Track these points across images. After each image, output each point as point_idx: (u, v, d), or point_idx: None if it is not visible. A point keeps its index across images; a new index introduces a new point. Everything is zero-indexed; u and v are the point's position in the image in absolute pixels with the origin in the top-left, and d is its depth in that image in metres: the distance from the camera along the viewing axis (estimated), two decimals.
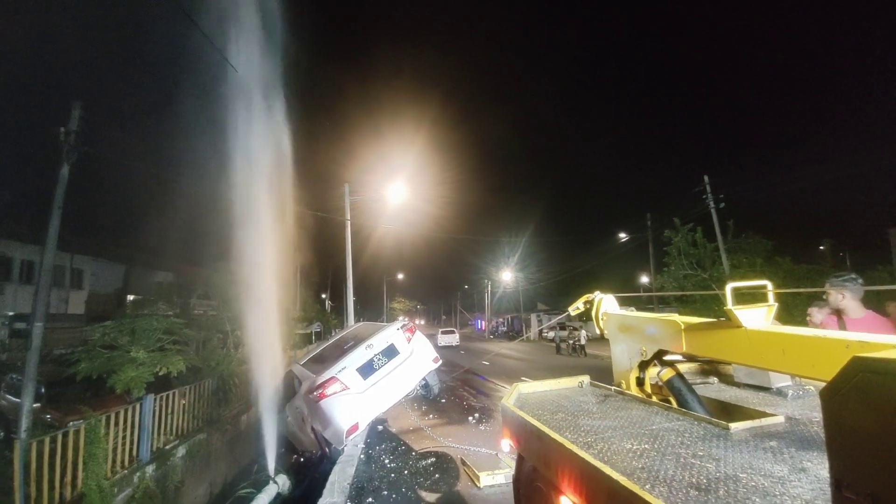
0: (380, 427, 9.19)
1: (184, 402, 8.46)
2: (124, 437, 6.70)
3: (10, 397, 9.68)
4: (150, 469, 6.90)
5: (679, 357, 3.60)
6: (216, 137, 8.90)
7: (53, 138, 6.98)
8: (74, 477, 5.80)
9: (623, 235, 32.33)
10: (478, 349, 29.93)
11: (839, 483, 1.09)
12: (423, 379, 7.12)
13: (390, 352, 6.71)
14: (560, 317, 10.66)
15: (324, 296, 36.90)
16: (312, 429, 6.54)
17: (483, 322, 55.55)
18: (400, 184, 16.56)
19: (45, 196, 7.07)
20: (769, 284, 2.71)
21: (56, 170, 6.96)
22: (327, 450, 6.58)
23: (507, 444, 3.67)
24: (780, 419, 2.73)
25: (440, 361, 7.22)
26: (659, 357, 3.47)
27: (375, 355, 6.54)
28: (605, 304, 4.39)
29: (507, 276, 48.39)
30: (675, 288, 18.34)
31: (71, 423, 6.39)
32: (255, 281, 8.81)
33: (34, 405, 6.56)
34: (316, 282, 31.70)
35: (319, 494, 5.38)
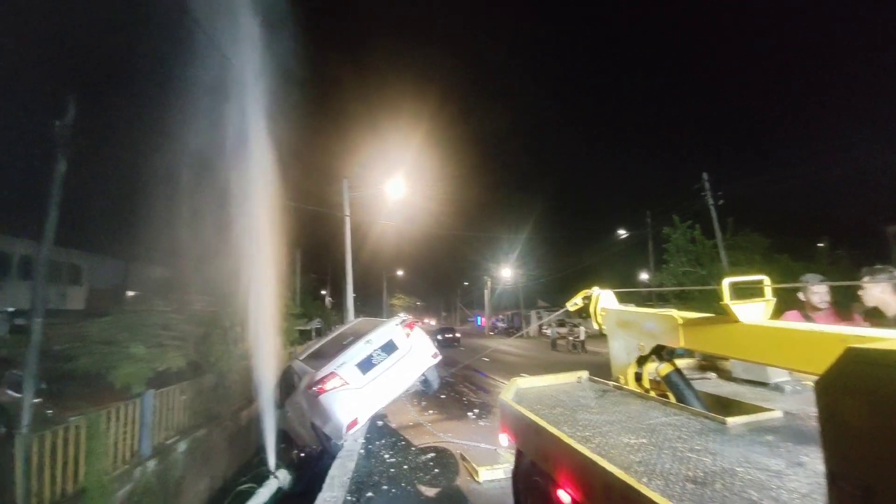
0: (379, 422, 9.22)
1: (184, 397, 8.47)
2: (125, 433, 6.72)
3: (11, 392, 9.69)
4: (151, 464, 6.92)
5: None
6: (214, 131, 8.89)
7: (49, 132, 6.94)
8: (76, 472, 5.82)
9: (623, 232, 32.35)
10: (477, 346, 29.98)
11: (833, 475, 1.10)
12: (423, 374, 7.14)
13: (389, 347, 6.72)
14: (558, 312, 10.68)
15: (324, 292, 36.90)
16: (312, 424, 6.57)
17: (483, 319, 55.66)
18: (399, 179, 16.56)
19: (42, 191, 7.05)
20: (767, 279, 2.72)
21: (53, 165, 6.93)
22: (327, 445, 6.61)
23: (505, 439, 3.70)
24: (778, 414, 2.75)
25: (440, 357, 7.24)
26: (657, 352, 3.49)
27: (375, 351, 6.56)
28: (604, 299, 4.40)
29: (506, 272, 48.45)
30: (674, 284, 18.39)
31: (71, 418, 6.40)
32: (253, 277, 8.82)
33: (35, 400, 6.57)
34: (316, 278, 31.74)
35: (319, 489, 5.41)
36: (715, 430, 2.56)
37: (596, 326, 4.44)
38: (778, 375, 3.61)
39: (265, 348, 8.54)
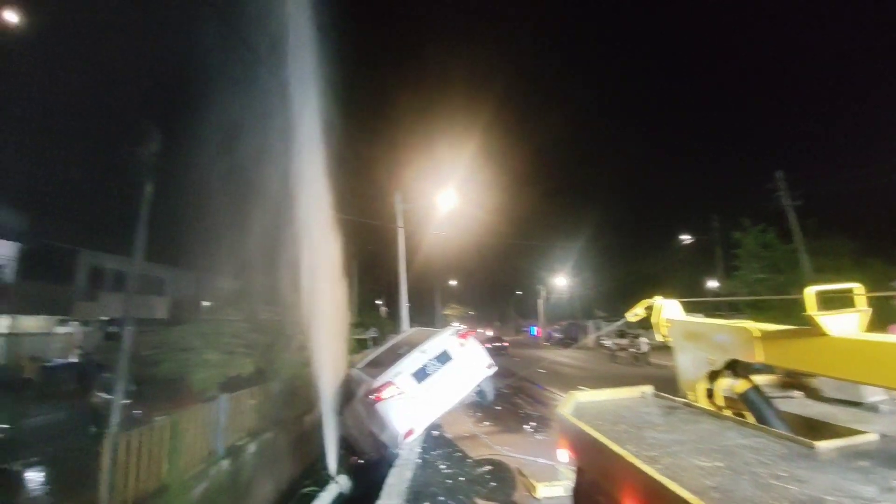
0: (435, 432, 9.25)
1: (252, 402, 8.99)
2: (202, 434, 7.22)
3: (103, 394, 10.78)
4: (224, 464, 7.38)
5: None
6: (276, 151, 9.49)
7: (137, 159, 7.73)
8: (158, 469, 6.32)
9: (686, 238, 30.50)
10: (532, 356, 29.37)
11: None
12: (478, 385, 7.10)
13: (444, 357, 6.75)
14: (617, 323, 10.24)
15: (379, 301, 37.83)
16: (370, 431, 6.72)
17: (538, 329, 54.49)
18: (452, 190, 16.74)
19: (131, 211, 7.84)
20: (860, 287, 2.45)
21: (140, 187, 7.70)
22: (384, 453, 6.73)
23: (565, 455, 3.58)
24: (874, 437, 2.45)
25: (495, 368, 7.17)
26: (731, 367, 3.24)
27: (429, 361, 6.62)
28: (668, 309, 4.17)
29: (561, 281, 47.17)
30: (747, 293, 17.02)
31: (157, 418, 6.98)
32: (314, 287, 9.24)
33: (126, 401, 7.24)
34: (371, 288, 32.66)
35: (378, 496, 5.50)
36: (801, 454, 2.33)
37: (659, 338, 4.21)
38: (874, 394, 3.23)
39: (325, 356, 8.88)
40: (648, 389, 4.07)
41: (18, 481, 7.45)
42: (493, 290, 70.69)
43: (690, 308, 4.32)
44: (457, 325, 7.79)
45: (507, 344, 34.82)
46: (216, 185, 9.75)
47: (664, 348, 4.65)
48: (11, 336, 19.28)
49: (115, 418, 6.38)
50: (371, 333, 25.06)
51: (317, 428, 8.82)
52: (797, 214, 17.68)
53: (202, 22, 8.12)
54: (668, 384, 4.13)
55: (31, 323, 20.38)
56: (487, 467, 7.09)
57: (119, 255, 22.41)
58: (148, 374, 9.31)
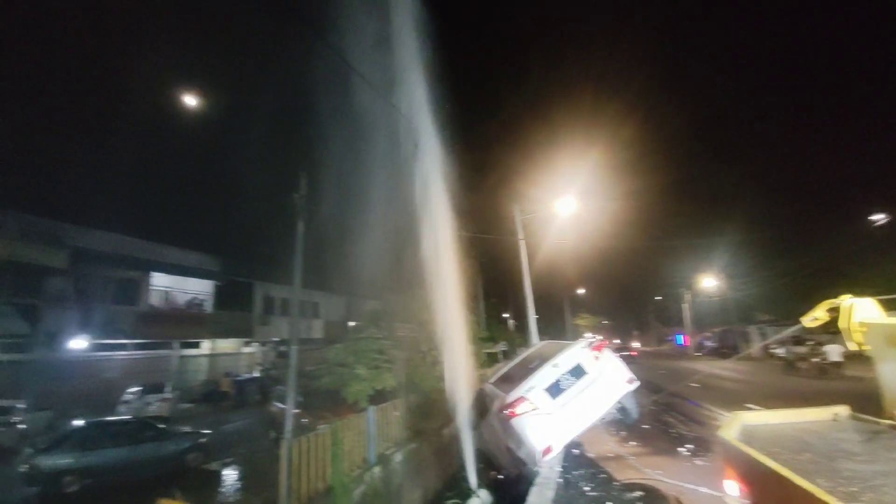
0: (575, 451, 8.81)
1: (396, 413, 9.69)
2: (357, 442, 8.01)
3: (278, 405, 12.70)
4: (376, 470, 8.05)
5: None
6: (398, 183, 10.32)
7: (290, 202, 9.06)
8: (323, 473, 7.17)
9: (880, 216, 24.48)
10: (682, 369, 26.22)
11: None
12: (619, 402, 6.60)
13: (578, 371, 6.45)
14: (790, 329, 8.58)
15: (506, 315, 37.85)
16: (507, 447, 6.69)
17: (685, 337, 48.52)
18: (574, 196, 16.09)
19: (287, 246, 9.19)
20: None
21: (294, 227, 9.00)
22: (523, 469, 6.63)
23: (734, 488, 3.09)
24: None
25: (637, 383, 6.60)
26: None
27: (562, 375, 6.38)
28: (861, 310, 3.38)
29: (709, 282, 41.45)
30: None
31: (320, 426, 7.96)
32: (443, 304, 9.66)
33: (295, 411, 8.41)
34: (497, 301, 32.90)
35: None
36: None
37: (851, 346, 3.43)
38: None
39: (458, 370, 9.17)
40: (843, 410, 3.32)
41: (217, 480, 9.12)
42: (627, 297, 65.21)
43: (892, 307, 3.43)
44: (589, 337, 7.38)
45: (634, 353, 34.57)
46: (354, 217, 10.98)
47: (859, 357, 3.77)
48: (212, 356, 24.06)
49: (288, 425, 7.39)
50: (501, 347, 25.15)
51: (455, 441, 9.10)
52: None
53: (318, 59, 9.31)
54: (865, 402, 3.32)
55: (225, 345, 25.16)
56: (638, 493, 6.48)
57: (283, 284, 26.51)
58: (312, 386, 10.71)
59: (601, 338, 7.70)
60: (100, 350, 18.15)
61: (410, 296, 12.15)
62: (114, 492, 8.55)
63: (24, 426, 11.91)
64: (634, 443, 9.40)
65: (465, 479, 8.12)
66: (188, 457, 9.73)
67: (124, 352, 19.49)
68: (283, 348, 26.62)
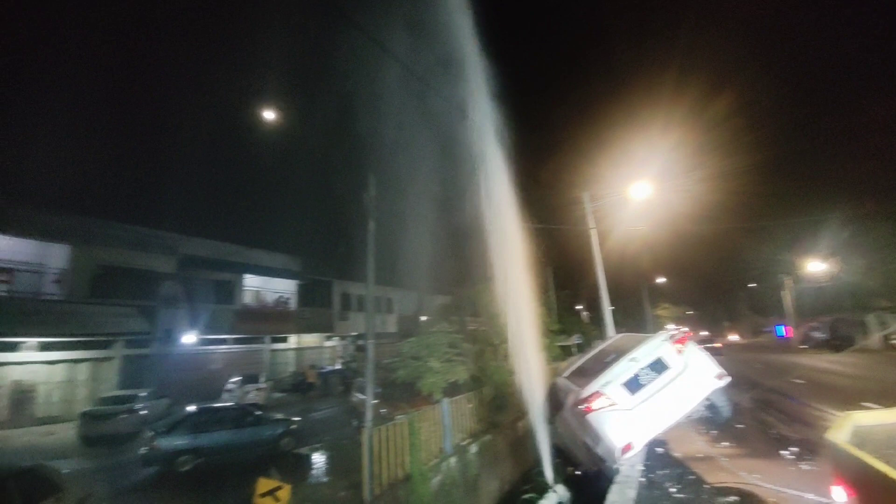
0: (659, 449, 8.35)
1: (470, 405, 9.83)
2: (433, 432, 8.26)
3: (359, 395, 13.41)
4: (452, 460, 8.25)
5: None
6: (469, 179, 10.37)
7: (361, 203, 9.46)
8: (402, 460, 7.48)
9: None
10: (782, 363, 23.64)
11: None
12: (707, 398, 6.15)
13: (658, 366, 6.11)
14: None
15: (579, 307, 36.59)
16: (584, 443, 6.53)
17: (787, 328, 43.53)
18: (651, 180, 15.06)
19: (362, 246, 9.62)
20: None
21: (366, 226, 9.40)
22: (602, 467, 6.43)
23: (842, 495, 2.77)
24: None
25: (727, 378, 6.10)
26: None
27: (641, 369, 6.08)
28: None
29: (816, 266, 36.76)
30: None
31: (398, 416, 8.30)
32: (513, 296, 9.59)
33: (374, 401, 8.84)
34: (569, 293, 31.92)
35: None
36: None
37: None
38: None
39: (530, 363, 9.07)
40: None
41: (307, 463, 9.85)
42: (713, 284, 59.78)
43: None
44: (672, 329, 6.93)
45: (719, 345, 33.53)
46: (424, 215, 11.26)
47: None
48: (298, 350, 26.00)
49: (368, 415, 7.79)
50: (575, 340, 24.41)
51: (529, 434, 9.03)
52: None
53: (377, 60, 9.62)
54: None
55: (309, 339, 27.05)
56: (732, 497, 5.99)
57: (359, 281, 27.94)
58: (389, 378, 11.20)
59: (685, 330, 7.20)
60: (205, 345, 20.44)
61: (480, 289, 12.22)
62: (221, 471, 9.57)
63: (146, 412, 13.65)
64: (727, 443, 8.69)
65: (541, 474, 8.04)
66: (282, 441, 10.62)
67: (225, 346, 21.75)
68: (360, 342, 28.07)
